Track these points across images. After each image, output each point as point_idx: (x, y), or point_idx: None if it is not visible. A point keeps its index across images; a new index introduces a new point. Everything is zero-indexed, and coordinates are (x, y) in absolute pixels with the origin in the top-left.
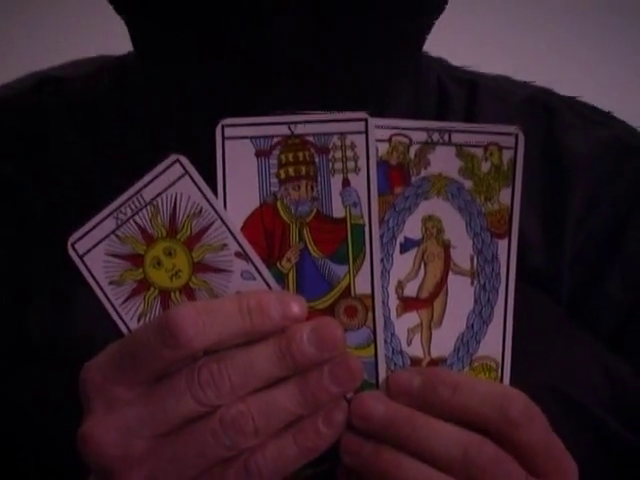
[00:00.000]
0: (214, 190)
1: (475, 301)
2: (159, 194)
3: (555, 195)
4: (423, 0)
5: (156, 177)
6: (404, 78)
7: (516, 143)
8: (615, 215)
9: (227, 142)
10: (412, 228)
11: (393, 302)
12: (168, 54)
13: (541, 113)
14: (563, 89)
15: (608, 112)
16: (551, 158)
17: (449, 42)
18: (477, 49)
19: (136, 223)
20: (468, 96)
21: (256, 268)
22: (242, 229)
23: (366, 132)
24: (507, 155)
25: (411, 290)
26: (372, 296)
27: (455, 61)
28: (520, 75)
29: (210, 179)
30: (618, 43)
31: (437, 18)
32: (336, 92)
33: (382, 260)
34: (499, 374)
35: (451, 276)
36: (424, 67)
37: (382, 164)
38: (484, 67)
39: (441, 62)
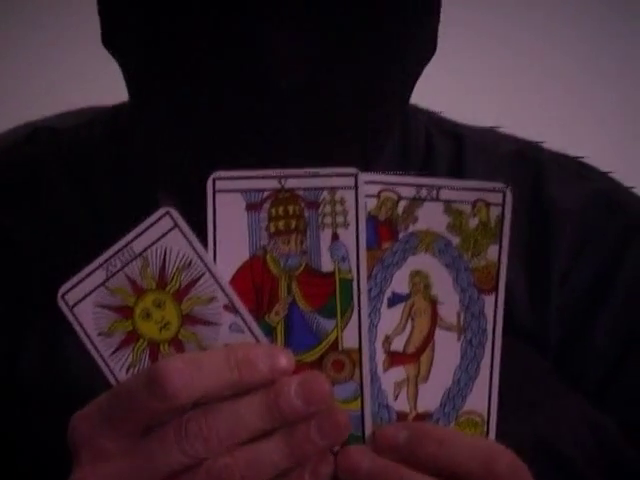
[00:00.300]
0: (205, 241)
1: (462, 356)
2: (149, 246)
3: (541, 249)
4: (410, 47)
5: (146, 229)
6: (392, 129)
7: (504, 200)
8: (600, 269)
9: (218, 195)
10: (400, 283)
11: (380, 356)
12: (162, 103)
13: (528, 167)
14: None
15: (595, 167)
16: (537, 212)
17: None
18: (465, 95)
19: (126, 275)
20: (454, 149)
21: (244, 321)
22: (232, 281)
23: (355, 187)
24: (495, 212)
25: (398, 345)
26: (359, 350)
27: (445, 106)
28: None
29: (201, 230)
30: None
31: (424, 66)
32: (325, 145)
33: (370, 314)
34: (485, 429)
35: (438, 331)
36: (412, 119)
37: (371, 219)
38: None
39: (429, 114)
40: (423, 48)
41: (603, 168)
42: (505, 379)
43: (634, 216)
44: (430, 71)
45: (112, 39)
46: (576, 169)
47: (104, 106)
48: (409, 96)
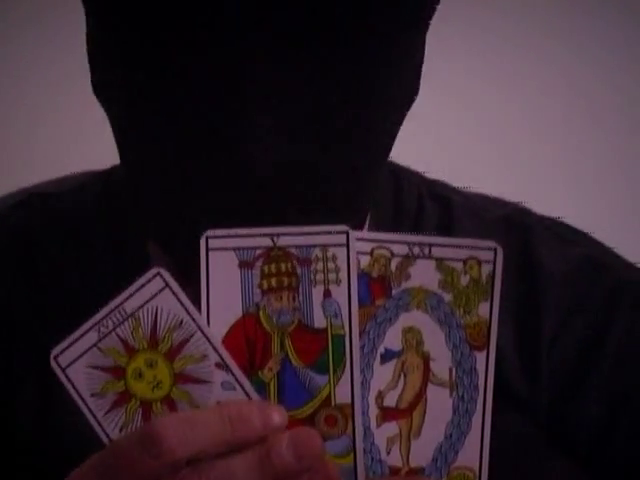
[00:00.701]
0: (197, 299)
1: (453, 412)
2: (140, 307)
3: (530, 313)
4: (390, 127)
5: (137, 290)
6: (377, 184)
7: (495, 257)
8: (588, 333)
9: (211, 253)
10: (392, 339)
11: (373, 412)
12: (153, 166)
13: (517, 231)
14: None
15: (582, 231)
16: (527, 276)
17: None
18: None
19: (118, 335)
20: (444, 213)
21: (236, 379)
22: (225, 338)
23: (347, 245)
24: (486, 269)
25: (391, 400)
26: (352, 406)
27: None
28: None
29: (193, 288)
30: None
31: (406, 112)
32: (313, 207)
33: (362, 370)
34: None
35: (430, 387)
36: (405, 181)
37: (364, 276)
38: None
39: (421, 177)
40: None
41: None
42: (495, 445)
43: (620, 279)
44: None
45: (98, 90)
46: (563, 233)
47: (96, 170)
48: (390, 149)
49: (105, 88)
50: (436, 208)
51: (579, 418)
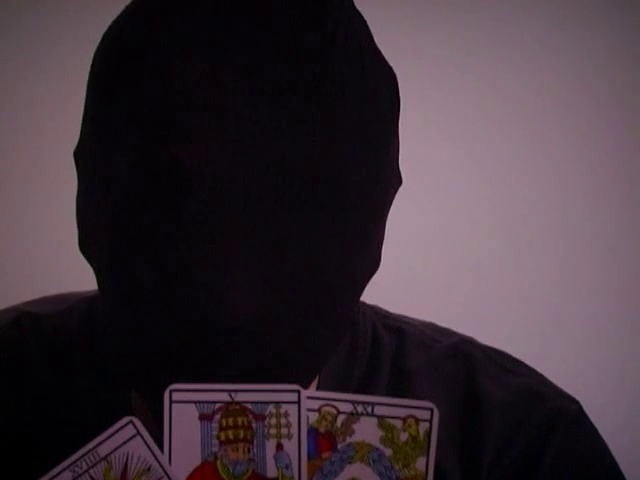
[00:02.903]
0: (162, 446)
1: None
2: (113, 451)
3: (472, 437)
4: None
5: (111, 435)
6: (340, 342)
7: (431, 416)
8: (524, 458)
9: (174, 405)
10: None
11: None
12: (123, 317)
13: (462, 361)
14: None
15: (520, 361)
16: (470, 403)
17: None
18: None
19: (90, 476)
20: (397, 344)
21: None
22: None
23: (298, 402)
24: (423, 427)
25: None
26: None
27: None
28: None
29: (161, 432)
30: None
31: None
32: (274, 373)
33: None
34: None
35: None
36: (360, 316)
37: (312, 431)
38: None
39: (374, 310)
40: (372, 263)
41: None
42: None
43: (554, 408)
44: None
45: (83, 247)
46: (504, 363)
47: (82, 294)
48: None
49: (90, 246)
50: (391, 340)
51: None
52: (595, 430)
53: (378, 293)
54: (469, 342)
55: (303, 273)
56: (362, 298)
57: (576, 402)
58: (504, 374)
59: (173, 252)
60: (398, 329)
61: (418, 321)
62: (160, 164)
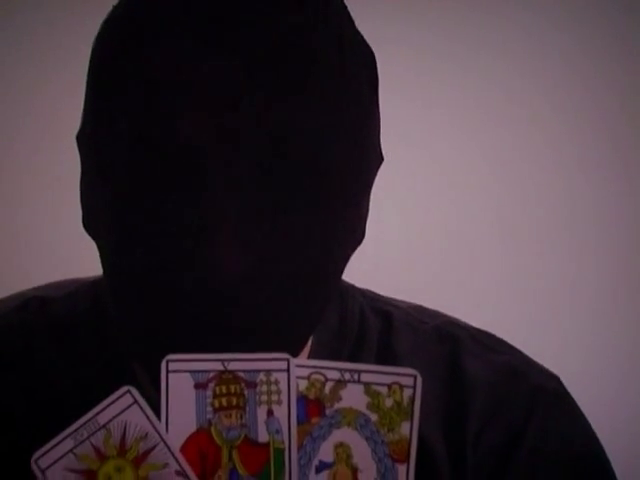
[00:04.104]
0: (159, 413)
1: None
2: (112, 419)
3: (457, 414)
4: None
5: (110, 404)
6: (325, 310)
7: (415, 383)
8: (507, 433)
9: (170, 374)
10: (326, 453)
11: None
12: (126, 291)
13: (446, 341)
14: None
15: (504, 341)
16: (454, 381)
17: None
18: None
19: (91, 443)
20: (384, 326)
21: None
22: (181, 450)
23: (288, 370)
24: (407, 393)
25: None
26: None
27: None
28: None
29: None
30: None
31: (354, 250)
32: (263, 334)
33: (300, 479)
34: None
35: None
36: (349, 298)
37: (302, 398)
38: None
39: (363, 293)
40: (355, 235)
41: None
42: None
43: (534, 385)
44: None
45: (87, 225)
46: (487, 343)
47: (86, 279)
48: (339, 282)
49: (94, 224)
50: (378, 322)
51: None
52: (575, 405)
53: (374, 277)
54: (454, 323)
55: (286, 239)
56: (357, 284)
57: (556, 378)
58: (487, 353)
59: (166, 219)
60: (385, 312)
61: (406, 304)
62: (154, 138)
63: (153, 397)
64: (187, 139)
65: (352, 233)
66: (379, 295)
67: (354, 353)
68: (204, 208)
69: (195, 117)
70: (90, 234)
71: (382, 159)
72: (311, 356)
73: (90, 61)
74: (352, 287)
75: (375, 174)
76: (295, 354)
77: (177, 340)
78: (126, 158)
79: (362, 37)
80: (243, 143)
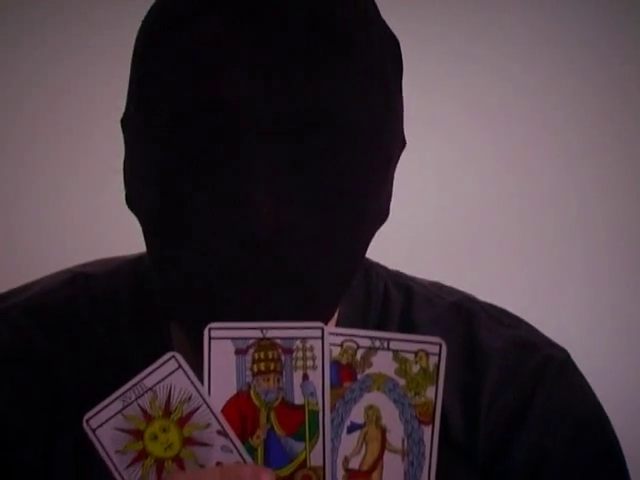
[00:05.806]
0: (201, 377)
1: (405, 474)
2: (158, 383)
3: (472, 383)
4: (369, 209)
5: (156, 369)
6: (352, 280)
7: (440, 351)
8: (518, 399)
9: (212, 341)
10: (357, 415)
11: (340, 473)
12: (169, 261)
13: (463, 316)
14: None
15: (515, 315)
16: (470, 352)
17: None
18: None
19: (139, 405)
20: (406, 301)
21: (233, 444)
22: (222, 411)
23: (322, 338)
24: (433, 360)
25: (355, 464)
26: (324, 468)
27: None
28: None
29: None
30: None
31: (381, 225)
32: (295, 297)
33: (332, 439)
34: None
35: (386, 454)
36: (373, 274)
37: (335, 363)
38: None
39: (386, 270)
40: (381, 210)
41: None
42: None
43: (543, 356)
44: None
45: (131, 201)
46: (500, 317)
47: (129, 256)
48: (365, 252)
49: (137, 199)
50: (400, 297)
51: (509, 467)
52: (581, 375)
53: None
54: (470, 299)
55: (319, 194)
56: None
57: (564, 351)
58: (500, 327)
59: (206, 184)
60: (407, 287)
61: (425, 281)
62: (196, 105)
63: (192, 362)
64: (225, 101)
65: (378, 205)
66: (400, 272)
67: (378, 325)
68: (240, 162)
69: (234, 81)
70: (133, 209)
71: (405, 144)
72: (339, 326)
73: (135, 44)
74: (376, 264)
75: (398, 157)
76: (325, 318)
77: (217, 303)
78: (170, 129)
79: (388, 27)
80: (278, 105)
